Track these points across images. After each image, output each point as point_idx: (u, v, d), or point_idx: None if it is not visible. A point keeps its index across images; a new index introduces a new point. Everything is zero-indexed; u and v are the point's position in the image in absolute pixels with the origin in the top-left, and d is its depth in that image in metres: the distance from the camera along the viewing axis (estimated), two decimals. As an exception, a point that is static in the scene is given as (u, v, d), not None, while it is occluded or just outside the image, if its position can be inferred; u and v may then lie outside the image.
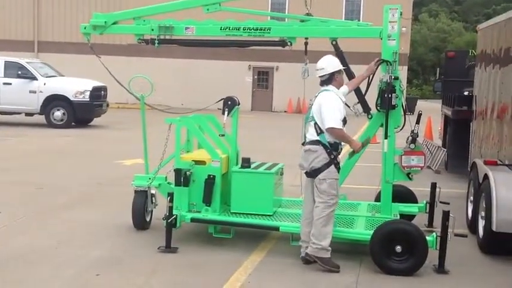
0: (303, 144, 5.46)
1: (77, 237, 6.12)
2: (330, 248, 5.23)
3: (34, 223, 6.62)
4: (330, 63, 5.43)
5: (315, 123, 5.31)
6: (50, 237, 6.06)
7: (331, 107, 5.24)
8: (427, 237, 5.20)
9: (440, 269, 5.28)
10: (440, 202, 6.60)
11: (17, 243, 5.84)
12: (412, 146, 5.80)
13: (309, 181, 5.43)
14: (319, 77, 5.43)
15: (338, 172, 5.35)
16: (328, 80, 5.42)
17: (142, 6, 6.73)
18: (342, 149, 5.41)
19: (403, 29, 24.51)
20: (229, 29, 6.07)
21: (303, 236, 5.42)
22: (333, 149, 5.27)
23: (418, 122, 5.88)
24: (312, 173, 5.31)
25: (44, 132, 15.87)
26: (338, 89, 5.46)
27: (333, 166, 5.27)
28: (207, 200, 5.89)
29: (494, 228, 5.61)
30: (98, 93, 17.69)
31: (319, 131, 5.27)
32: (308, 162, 5.32)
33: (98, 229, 6.41)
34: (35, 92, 17.08)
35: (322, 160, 5.25)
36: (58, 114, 17.16)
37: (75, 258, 5.42)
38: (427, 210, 6.64)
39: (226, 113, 6.22)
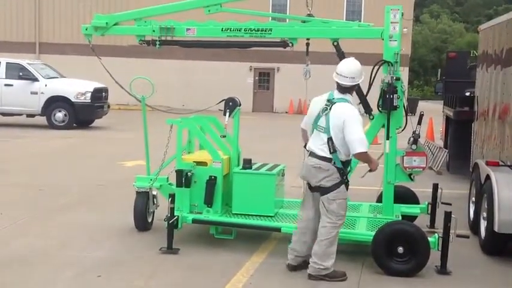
0: (308, 152, 5.06)
1: (78, 238, 6.11)
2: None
3: (35, 224, 6.62)
4: (360, 73, 5.06)
5: (330, 139, 4.89)
6: (51, 239, 6.05)
7: (358, 128, 4.84)
8: (429, 238, 5.18)
9: (442, 270, 5.27)
10: (442, 203, 6.58)
11: (18, 245, 5.83)
12: (414, 146, 5.79)
13: (312, 194, 5.13)
14: (345, 82, 4.99)
15: (347, 190, 5.09)
16: (350, 89, 5.08)
17: (144, 7, 6.73)
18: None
19: (405, 29, 24.50)
20: (230, 30, 6.07)
21: (297, 246, 5.14)
22: (345, 168, 5.00)
23: (419, 122, 5.88)
24: (319, 190, 5.00)
25: (45, 134, 15.88)
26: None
27: (343, 186, 4.99)
28: (209, 201, 5.89)
29: (496, 229, 5.60)
30: (99, 95, 17.70)
31: (333, 150, 4.88)
32: (317, 179, 4.95)
33: (99, 230, 6.40)
34: (36, 93, 17.10)
35: (333, 180, 4.92)
36: (59, 115, 17.17)
37: (77, 259, 5.42)
38: (429, 211, 6.63)
39: (227, 114, 6.22)
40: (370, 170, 5.21)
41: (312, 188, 5.11)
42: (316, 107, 5.11)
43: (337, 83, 5.06)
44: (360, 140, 4.86)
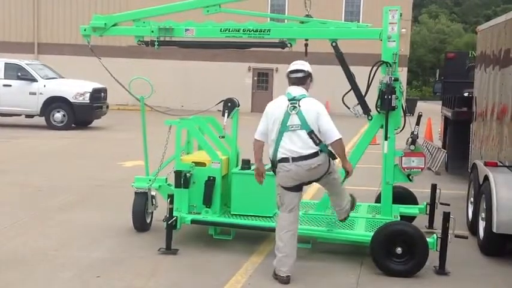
0: (289, 158, 4.87)
1: (77, 238, 6.11)
2: None
3: (33, 225, 6.62)
4: (309, 66, 5.19)
5: (311, 132, 4.86)
6: (49, 239, 6.05)
7: (329, 117, 4.96)
8: (428, 239, 5.19)
9: (441, 270, 5.28)
10: (441, 203, 6.60)
11: (17, 245, 5.83)
12: (412, 147, 5.80)
13: (298, 193, 5.08)
14: (299, 71, 5.08)
15: None
16: (304, 79, 5.10)
17: (142, 8, 6.73)
18: None
19: (403, 30, 24.50)
20: (229, 31, 6.07)
21: (294, 251, 5.02)
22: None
23: (418, 123, 5.89)
24: (322, 179, 5.14)
25: (44, 134, 15.87)
26: None
27: (330, 159, 5.05)
28: (207, 201, 5.89)
29: (494, 229, 5.61)
30: (98, 95, 17.70)
31: (319, 141, 4.89)
32: (319, 175, 5.01)
33: (98, 231, 6.40)
34: (35, 93, 17.09)
35: (327, 163, 5.00)
36: (58, 116, 17.16)
37: (75, 259, 5.42)
38: (428, 212, 6.63)
39: (226, 114, 6.22)
40: (347, 173, 5.20)
41: (304, 184, 5.08)
42: (278, 111, 4.98)
43: (292, 77, 5.10)
44: (334, 128, 4.91)
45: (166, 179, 6.37)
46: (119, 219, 6.75)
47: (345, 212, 5.59)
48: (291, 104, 4.96)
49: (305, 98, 5.02)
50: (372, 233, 5.33)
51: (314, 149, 4.88)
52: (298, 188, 5.03)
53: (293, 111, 4.92)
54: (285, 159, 4.91)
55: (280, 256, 4.99)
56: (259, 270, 5.27)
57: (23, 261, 5.32)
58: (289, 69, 5.18)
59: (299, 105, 4.94)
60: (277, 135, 4.96)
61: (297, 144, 4.89)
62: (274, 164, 5.03)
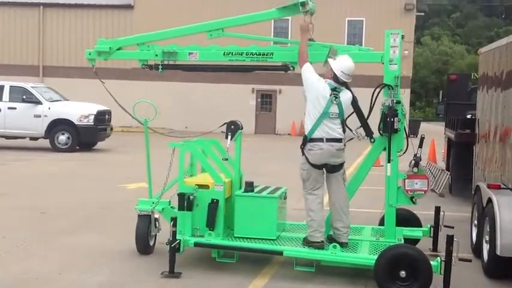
0: (336, 140, 5.62)
1: (79, 262, 6.10)
2: None
3: (36, 248, 6.61)
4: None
5: (344, 121, 5.71)
6: (52, 262, 6.04)
7: None
8: (432, 262, 5.17)
9: (445, 293, 5.24)
10: (445, 226, 6.57)
11: (20, 268, 5.82)
12: (415, 169, 5.80)
13: (323, 178, 5.80)
14: (351, 77, 5.74)
15: None
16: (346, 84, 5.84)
17: (147, 32, 6.79)
18: None
19: (406, 52, 24.70)
20: (232, 54, 6.13)
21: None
22: None
23: (420, 145, 5.90)
24: (339, 168, 5.78)
25: (48, 156, 15.92)
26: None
27: None
28: (211, 224, 5.88)
29: (498, 252, 5.58)
30: (102, 117, 17.79)
31: (344, 130, 5.73)
32: (343, 158, 5.75)
33: (101, 254, 6.39)
34: (39, 116, 17.18)
35: (345, 154, 5.82)
36: (62, 138, 17.23)
37: (78, 283, 5.40)
38: (432, 234, 6.61)
39: (229, 137, 6.24)
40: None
41: (333, 169, 5.73)
42: (324, 101, 5.59)
43: (340, 78, 5.65)
44: None
45: (169, 201, 6.37)
46: (122, 242, 6.74)
47: (346, 234, 5.80)
48: (334, 94, 5.62)
49: (342, 91, 5.72)
50: (375, 256, 5.30)
51: (342, 135, 5.70)
52: (322, 167, 5.72)
53: (334, 101, 5.61)
54: (319, 139, 5.61)
55: (314, 226, 5.68)
56: (262, 293, 5.25)
57: (25, 285, 5.31)
58: (345, 71, 5.64)
59: (339, 97, 5.65)
60: (317, 117, 5.60)
61: (332, 128, 5.62)
62: (306, 140, 5.69)
